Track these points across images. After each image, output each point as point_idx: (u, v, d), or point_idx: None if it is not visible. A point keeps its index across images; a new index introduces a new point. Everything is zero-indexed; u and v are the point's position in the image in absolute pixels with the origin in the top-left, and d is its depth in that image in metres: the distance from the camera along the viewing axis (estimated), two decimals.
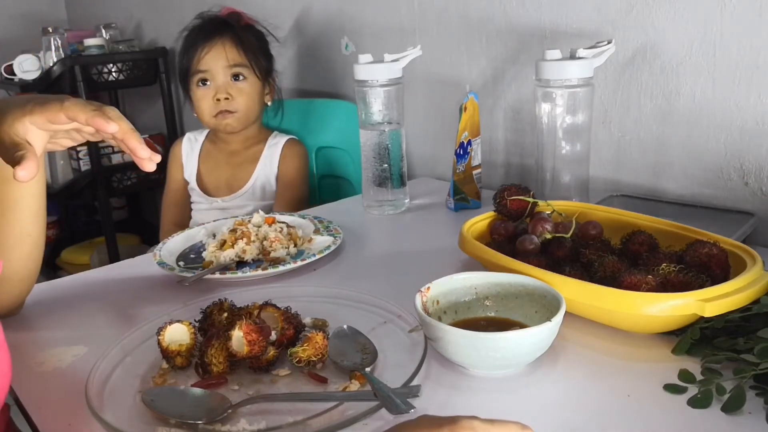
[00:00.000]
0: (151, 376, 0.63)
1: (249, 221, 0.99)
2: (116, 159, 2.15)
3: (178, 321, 0.64)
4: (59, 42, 2.07)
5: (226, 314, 0.68)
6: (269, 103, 1.44)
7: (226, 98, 1.34)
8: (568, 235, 0.77)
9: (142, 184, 2.20)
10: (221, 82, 1.34)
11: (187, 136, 1.51)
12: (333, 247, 0.93)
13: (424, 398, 0.57)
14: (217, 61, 1.33)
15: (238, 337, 0.60)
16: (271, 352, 0.62)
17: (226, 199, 1.42)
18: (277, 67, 1.50)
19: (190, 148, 1.48)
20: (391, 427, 0.46)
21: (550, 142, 0.98)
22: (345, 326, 0.66)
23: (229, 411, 0.55)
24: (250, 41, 1.37)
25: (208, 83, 1.35)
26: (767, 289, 0.62)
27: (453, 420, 0.43)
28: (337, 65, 1.59)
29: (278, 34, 1.53)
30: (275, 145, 1.42)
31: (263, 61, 1.39)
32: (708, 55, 0.92)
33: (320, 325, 0.70)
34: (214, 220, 1.09)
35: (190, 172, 1.47)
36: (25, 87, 2.10)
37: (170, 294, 0.85)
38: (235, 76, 1.35)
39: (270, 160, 1.41)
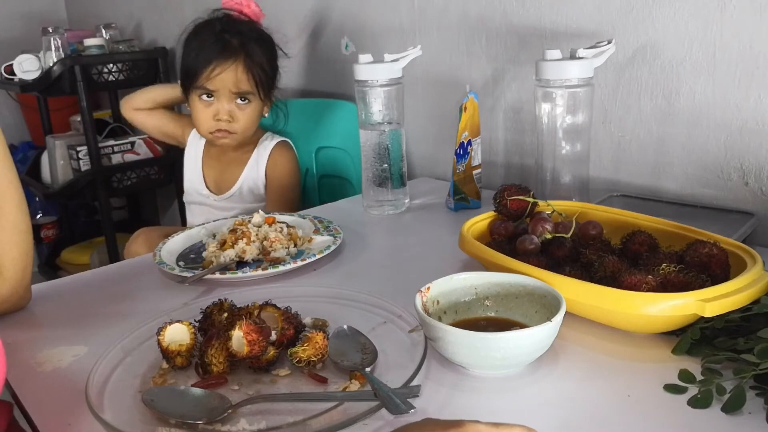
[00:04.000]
0: (151, 376, 0.63)
1: (249, 221, 0.99)
2: (116, 159, 2.15)
3: (178, 321, 0.64)
4: (59, 42, 2.07)
5: (226, 314, 0.68)
6: (266, 115, 1.39)
7: (228, 120, 1.30)
8: (568, 235, 0.77)
9: (142, 184, 2.20)
10: (225, 103, 1.29)
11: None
12: (333, 247, 0.93)
13: (425, 398, 0.57)
14: (225, 84, 1.28)
15: (238, 337, 0.60)
16: (271, 352, 0.62)
17: (217, 198, 1.41)
18: (280, 68, 1.47)
19: (199, 135, 1.45)
20: (396, 429, 0.45)
21: (550, 142, 0.98)
22: (345, 326, 0.66)
23: (229, 411, 0.55)
24: (261, 63, 1.31)
25: (211, 98, 1.30)
26: (767, 289, 0.62)
27: (458, 424, 0.43)
28: (337, 65, 1.59)
29: (277, 35, 1.52)
30: (264, 147, 1.39)
31: (270, 81, 1.34)
32: (708, 55, 0.92)
33: (320, 325, 0.70)
34: (214, 220, 1.09)
35: (192, 166, 1.46)
36: (25, 87, 2.09)
37: (170, 294, 0.85)
38: (241, 98, 1.31)
39: (257, 163, 1.38)
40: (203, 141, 1.45)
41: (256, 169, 1.39)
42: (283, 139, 1.43)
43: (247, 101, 1.32)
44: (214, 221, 1.09)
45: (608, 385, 0.58)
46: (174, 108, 1.56)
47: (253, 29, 1.34)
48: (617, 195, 1.03)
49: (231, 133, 1.32)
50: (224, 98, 1.29)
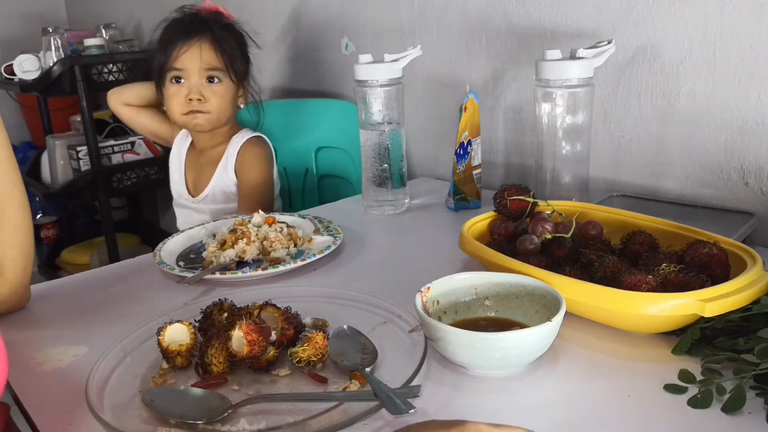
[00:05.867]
0: (151, 377, 0.63)
1: (249, 221, 0.99)
2: (116, 159, 2.15)
3: (178, 321, 0.64)
4: (59, 42, 2.07)
5: (226, 314, 0.68)
6: (242, 106, 1.38)
7: (199, 99, 1.29)
8: (568, 235, 0.77)
9: (142, 184, 2.20)
10: (195, 82, 1.29)
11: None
12: (333, 247, 0.93)
13: (425, 398, 0.57)
14: (193, 62, 1.28)
15: (238, 337, 0.60)
16: (271, 352, 0.62)
17: (193, 200, 1.39)
18: (268, 69, 1.46)
19: (185, 137, 1.45)
20: (400, 429, 0.46)
21: (550, 142, 0.98)
22: (345, 326, 0.66)
23: (229, 411, 0.55)
24: (229, 44, 1.32)
25: (181, 81, 1.30)
26: (767, 290, 0.62)
27: (460, 423, 0.43)
28: (337, 65, 1.59)
29: (277, 34, 1.52)
30: (234, 145, 1.36)
31: (240, 64, 1.34)
32: (708, 55, 0.92)
33: (320, 325, 0.70)
34: (202, 223, 1.09)
35: (177, 168, 1.44)
36: (25, 87, 2.09)
37: (170, 294, 0.85)
38: (210, 79, 1.30)
39: (227, 161, 1.36)
40: (187, 143, 1.44)
41: (225, 167, 1.36)
42: (256, 134, 1.39)
43: (217, 81, 1.31)
44: (214, 221, 1.09)
45: (608, 385, 0.58)
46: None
47: (219, 18, 1.34)
48: (617, 195, 1.03)
49: (203, 113, 1.30)
50: (194, 76, 1.29)
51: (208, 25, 1.31)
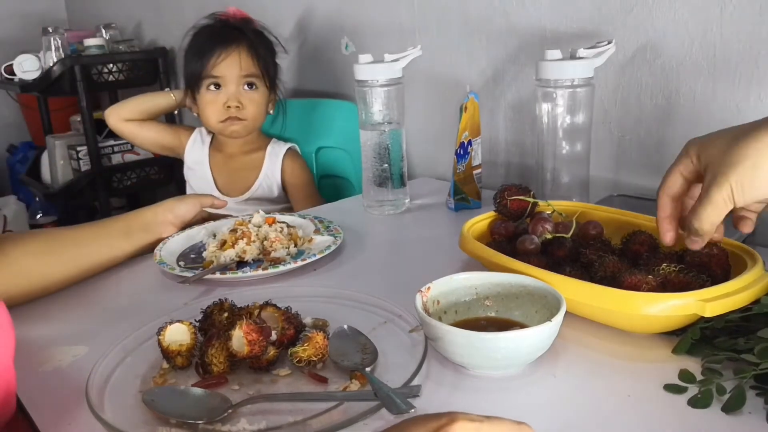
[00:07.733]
0: (152, 376, 0.63)
1: (249, 221, 0.99)
2: (116, 159, 2.15)
3: (178, 321, 0.64)
4: (59, 42, 2.08)
5: (226, 314, 0.68)
6: (271, 112, 1.44)
7: (237, 106, 1.34)
8: (569, 235, 0.77)
9: (142, 184, 2.20)
10: (233, 90, 1.33)
11: (198, 130, 1.50)
12: (333, 247, 0.93)
13: (425, 398, 0.57)
14: (232, 69, 1.32)
15: (239, 337, 0.60)
16: (272, 352, 0.62)
17: (231, 200, 1.42)
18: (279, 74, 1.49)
19: (201, 141, 1.48)
20: (389, 427, 0.46)
21: (550, 142, 0.98)
22: (345, 326, 0.66)
23: (230, 411, 0.55)
24: (264, 50, 1.36)
25: (219, 88, 1.34)
26: (767, 289, 0.62)
27: (449, 415, 0.43)
28: (337, 65, 1.59)
29: (278, 35, 1.52)
30: (276, 155, 1.43)
31: (273, 70, 1.39)
32: (708, 55, 0.92)
33: (320, 325, 0.70)
34: (214, 220, 1.09)
35: (200, 170, 1.47)
36: (25, 87, 2.10)
37: (170, 294, 0.85)
38: (248, 85, 1.34)
39: (272, 169, 1.42)
40: (206, 146, 1.47)
41: (270, 175, 1.42)
42: (291, 145, 1.46)
43: (254, 87, 1.35)
44: (213, 221, 1.09)
45: (608, 385, 0.58)
46: (175, 119, 1.57)
47: (250, 24, 1.38)
48: (617, 195, 1.03)
49: (241, 120, 1.36)
50: (232, 84, 1.33)
51: (243, 32, 1.34)
